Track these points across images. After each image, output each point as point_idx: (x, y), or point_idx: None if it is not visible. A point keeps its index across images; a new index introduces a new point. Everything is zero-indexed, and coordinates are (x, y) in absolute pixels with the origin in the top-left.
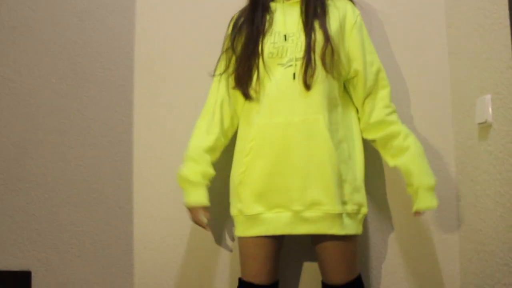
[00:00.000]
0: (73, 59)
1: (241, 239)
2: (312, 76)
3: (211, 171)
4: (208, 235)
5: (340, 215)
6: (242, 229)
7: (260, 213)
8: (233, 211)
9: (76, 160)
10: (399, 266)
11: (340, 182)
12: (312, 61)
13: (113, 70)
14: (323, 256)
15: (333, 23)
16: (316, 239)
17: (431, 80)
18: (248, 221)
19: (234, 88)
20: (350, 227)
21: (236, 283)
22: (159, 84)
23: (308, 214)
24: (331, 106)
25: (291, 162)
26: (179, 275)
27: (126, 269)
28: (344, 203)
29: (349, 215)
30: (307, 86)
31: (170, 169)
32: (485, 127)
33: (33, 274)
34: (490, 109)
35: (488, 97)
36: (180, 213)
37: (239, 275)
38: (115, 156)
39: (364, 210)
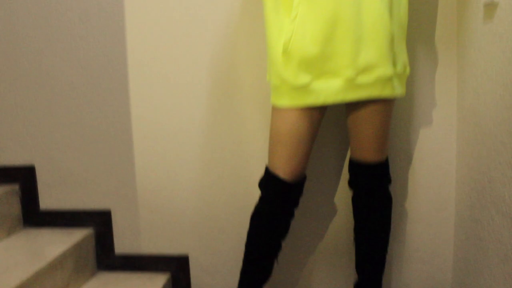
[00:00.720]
0: None
1: (280, 113)
2: None
3: None
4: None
5: (391, 77)
6: (288, 100)
7: (308, 83)
8: (275, 80)
9: (75, 53)
10: (393, 149)
11: (391, 41)
12: None
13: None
14: (361, 126)
15: None
16: (354, 110)
17: None
18: (294, 92)
19: None
20: (399, 89)
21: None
22: None
23: (360, 79)
24: None
25: (342, 26)
26: (180, 163)
27: (127, 158)
28: (394, 64)
29: (398, 76)
30: None
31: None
32: (491, 7)
33: (36, 168)
34: None
35: None
36: (176, 92)
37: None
38: (111, 51)
39: (408, 70)
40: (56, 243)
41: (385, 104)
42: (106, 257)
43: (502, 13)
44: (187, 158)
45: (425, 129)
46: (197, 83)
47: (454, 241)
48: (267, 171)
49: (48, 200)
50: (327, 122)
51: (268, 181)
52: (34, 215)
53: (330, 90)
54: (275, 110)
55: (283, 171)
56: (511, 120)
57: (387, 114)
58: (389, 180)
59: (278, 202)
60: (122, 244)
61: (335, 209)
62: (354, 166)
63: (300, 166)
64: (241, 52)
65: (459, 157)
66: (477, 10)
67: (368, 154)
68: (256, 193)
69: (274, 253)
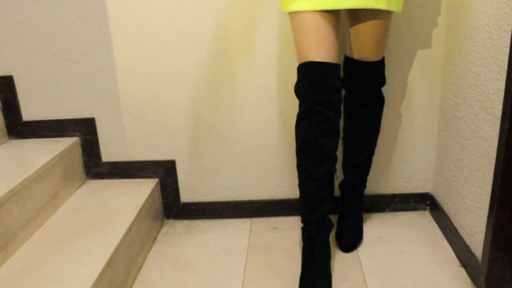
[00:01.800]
0: None
1: (292, 16)
2: None
3: None
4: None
5: None
6: (286, 5)
7: None
8: None
9: None
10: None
11: None
12: None
13: None
14: (361, 31)
15: None
16: (354, 20)
17: None
18: None
19: None
20: (393, 4)
21: None
22: None
23: None
24: None
25: None
26: (164, 64)
27: (107, 63)
28: None
29: None
30: None
31: None
32: None
33: (15, 78)
34: None
35: None
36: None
37: None
38: None
39: None
40: (42, 152)
41: (382, 16)
42: (94, 165)
43: None
44: (171, 60)
45: (414, 23)
46: None
47: (437, 140)
48: (301, 65)
49: (30, 111)
50: None
51: (304, 67)
52: (17, 126)
53: None
54: (289, 15)
55: (317, 55)
56: (501, 13)
57: (385, 24)
58: (383, 82)
59: (320, 91)
60: (109, 152)
61: None
62: (350, 63)
63: (331, 50)
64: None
65: (446, 54)
66: None
67: (366, 55)
68: (243, 95)
69: (331, 164)
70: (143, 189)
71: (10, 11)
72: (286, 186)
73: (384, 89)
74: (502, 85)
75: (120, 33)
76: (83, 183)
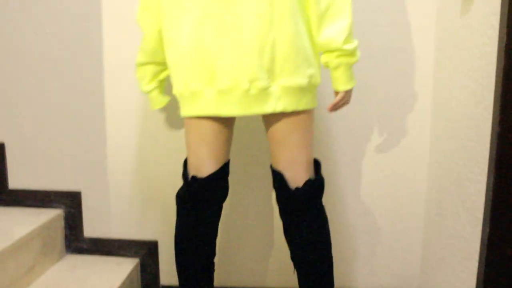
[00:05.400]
0: None
1: (186, 119)
2: None
3: None
4: None
5: (262, 91)
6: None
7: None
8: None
9: (44, 28)
10: (372, 136)
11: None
12: None
13: None
14: (272, 140)
15: None
16: (265, 121)
17: None
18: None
19: None
20: (307, 99)
21: None
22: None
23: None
24: None
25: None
26: (152, 148)
27: (99, 139)
28: (271, 76)
29: (285, 89)
30: None
31: None
32: (467, 1)
33: (6, 146)
34: None
35: None
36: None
37: None
38: (86, 26)
39: (314, 80)
40: (24, 223)
41: (293, 119)
42: (75, 239)
43: (478, 5)
44: (160, 143)
45: (400, 122)
46: None
47: (423, 237)
48: (184, 176)
49: (17, 179)
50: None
51: (186, 182)
52: (2, 194)
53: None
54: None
55: (200, 167)
56: (480, 117)
57: (300, 127)
58: (318, 197)
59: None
60: (92, 227)
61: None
62: (276, 177)
63: (215, 157)
64: None
65: (432, 152)
66: (456, 2)
67: (285, 169)
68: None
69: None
70: (122, 269)
71: (6, 78)
72: (264, 275)
73: (367, 180)
74: (482, 187)
75: (114, 112)
76: (61, 257)
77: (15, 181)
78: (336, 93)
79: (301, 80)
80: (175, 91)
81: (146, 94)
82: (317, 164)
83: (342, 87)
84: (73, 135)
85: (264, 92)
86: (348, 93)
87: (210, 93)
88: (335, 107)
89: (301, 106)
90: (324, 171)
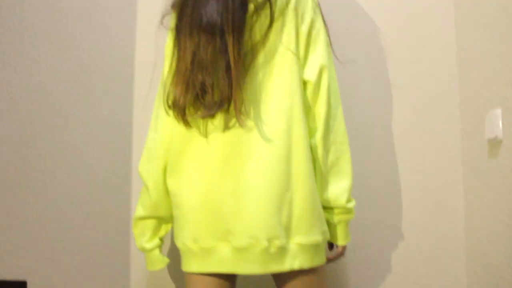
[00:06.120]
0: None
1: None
2: None
3: None
4: None
5: (267, 250)
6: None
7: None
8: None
9: (73, 168)
10: (405, 282)
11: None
12: None
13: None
14: None
15: None
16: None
17: (439, 93)
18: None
19: None
20: (320, 256)
21: None
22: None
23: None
24: None
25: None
26: None
27: (123, 281)
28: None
29: (298, 246)
30: None
31: None
32: (495, 143)
33: (28, 284)
34: (500, 124)
35: (498, 111)
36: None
37: None
38: (113, 166)
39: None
40: None
41: (307, 277)
42: None
43: (506, 151)
44: None
45: (433, 270)
46: None
47: None
48: None
49: None
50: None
51: None
52: None
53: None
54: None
55: None
56: None
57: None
58: None
59: None
60: None
61: None
62: None
63: None
64: None
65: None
66: (482, 145)
67: None
68: None
69: None
70: None
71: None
72: None
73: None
74: None
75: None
76: None
77: None
78: (330, 245)
79: (317, 237)
80: (180, 244)
81: (143, 253)
82: None
83: (341, 242)
84: (94, 273)
85: (282, 249)
86: (344, 248)
87: (225, 250)
88: (333, 261)
89: (316, 262)
90: None
